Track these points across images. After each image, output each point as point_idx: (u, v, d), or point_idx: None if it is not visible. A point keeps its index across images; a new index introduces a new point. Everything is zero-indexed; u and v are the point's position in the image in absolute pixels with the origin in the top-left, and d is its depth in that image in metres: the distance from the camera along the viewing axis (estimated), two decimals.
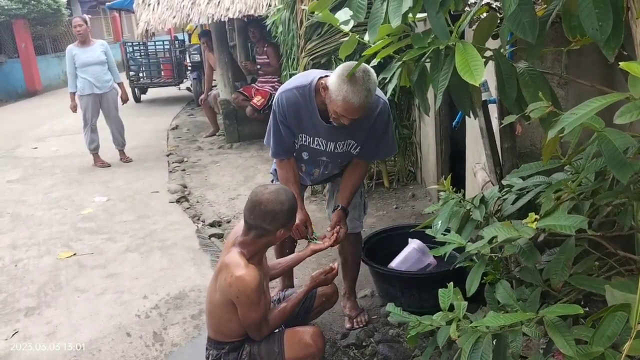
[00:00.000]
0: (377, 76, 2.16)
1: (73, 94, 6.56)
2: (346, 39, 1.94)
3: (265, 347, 2.27)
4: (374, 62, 1.76)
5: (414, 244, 3.12)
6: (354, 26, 1.87)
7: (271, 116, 2.62)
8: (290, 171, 2.68)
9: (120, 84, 6.78)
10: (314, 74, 2.52)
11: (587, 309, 1.93)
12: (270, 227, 2.16)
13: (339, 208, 2.67)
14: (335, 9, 1.90)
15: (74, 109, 6.62)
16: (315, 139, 2.58)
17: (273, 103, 2.59)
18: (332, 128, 2.50)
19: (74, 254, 4.25)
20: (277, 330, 2.36)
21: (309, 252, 2.56)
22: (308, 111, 2.49)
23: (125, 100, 6.95)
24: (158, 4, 6.85)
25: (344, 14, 1.62)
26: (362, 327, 2.93)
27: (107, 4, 15.55)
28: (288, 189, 2.29)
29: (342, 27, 1.69)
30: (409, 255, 3.09)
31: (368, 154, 2.69)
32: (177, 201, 5.37)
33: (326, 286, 2.57)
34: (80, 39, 6.43)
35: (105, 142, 6.97)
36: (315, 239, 2.58)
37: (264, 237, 2.19)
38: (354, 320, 2.98)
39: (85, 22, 6.47)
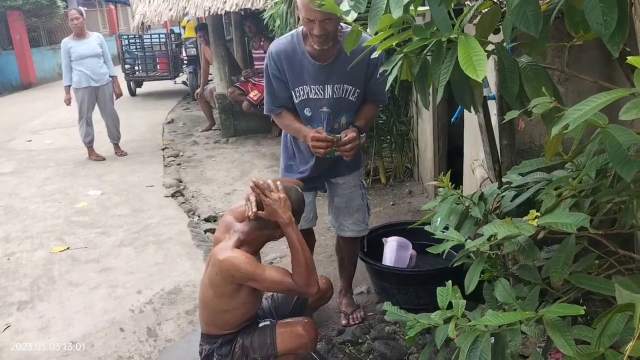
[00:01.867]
0: (379, 68, 2.12)
1: (68, 87, 6.50)
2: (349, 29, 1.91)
3: (257, 338, 2.27)
4: (376, 54, 1.73)
5: (392, 243, 3.11)
6: (356, 19, 1.85)
7: (264, 73, 2.64)
8: (290, 116, 2.64)
9: (115, 78, 6.73)
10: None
11: (584, 307, 1.92)
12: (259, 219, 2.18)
13: (353, 126, 2.60)
14: None
15: (68, 102, 6.57)
16: (312, 87, 2.55)
17: (265, 59, 2.63)
18: (324, 68, 2.51)
19: (68, 248, 4.21)
20: (269, 323, 2.35)
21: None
22: (298, 56, 2.52)
23: (118, 94, 6.89)
24: None
25: (346, 5, 1.59)
26: (357, 324, 2.92)
27: None
28: (298, 190, 2.29)
29: (345, 17, 1.66)
30: (396, 255, 3.09)
31: (369, 95, 2.67)
32: (172, 195, 5.34)
33: (320, 282, 2.55)
34: (76, 32, 6.38)
35: (100, 136, 6.93)
36: (338, 141, 2.49)
37: (264, 230, 2.20)
38: (350, 317, 2.96)
39: (82, 14, 6.41)
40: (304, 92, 2.56)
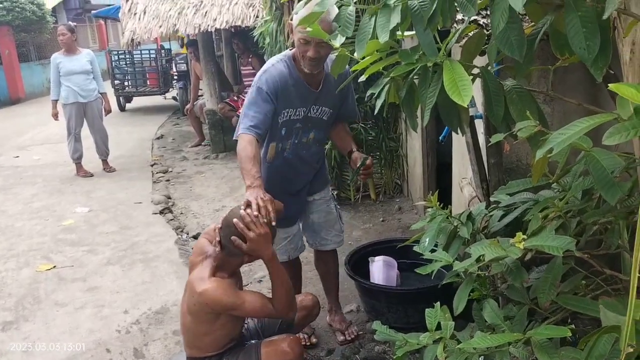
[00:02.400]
0: (365, 90, 2.15)
1: (55, 102, 6.50)
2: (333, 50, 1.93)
3: (242, 358, 2.24)
4: (363, 78, 1.75)
5: (379, 262, 3.13)
6: (344, 43, 1.86)
7: (254, 92, 2.44)
8: (253, 144, 2.34)
9: (104, 95, 6.72)
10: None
11: (573, 326, 1.93)
12: (238, 249, 2.10)
13: (354, 150, 2.66)
14: None
15: (55, 116, 6.55)
16: (298, 109, 2.55)
17: (257, 80, 2.47)
18: (315, 94, 2.54)
19: (54, 267, 4.16)
20: (254, 342, 2.34)
21: None
22: (293, 82, 2.49)
23: (108, 111, 6.89)
24: (144, 13, 6.82)
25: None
26: (353, 339, 2.93)
27: (93, 12, 15.53)
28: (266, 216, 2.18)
29: (332, 42, 1.67)
30: (384, 273, 3.10)
31: (343, 115, 2.75)
32: (161, 212, 5.30)
33: (306, 299, 2.54)
34: (64, 48, 6.37)
35: (89, 152, 6.90)
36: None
37: (235, 257, 2.17)
38: (346, 332, 2.96)
39: (71, 30, 6.40)
40: (288, 114, 2.55)
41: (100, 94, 6.65)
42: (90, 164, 6.90)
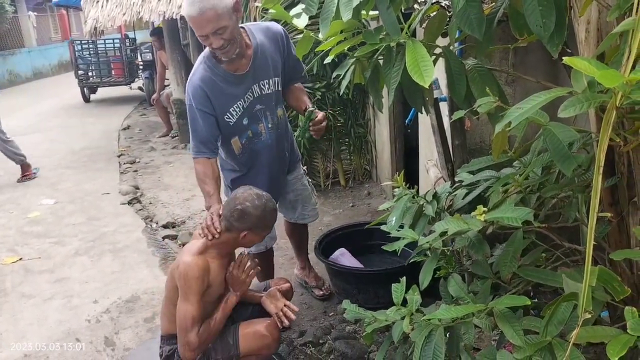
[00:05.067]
0: (331, 73, 2.16)
1: None
2: (300, 36, 1.94)
3: (220, 339, 2.26)
4: (328, 59, 1.76)
5: (344, 252, 3.31)
6: (309, 25, 1.87)
7: (188, 110, 2.46)
8: (209, 167, 2.47)
9: None
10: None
11: (536, 299, 2.00)
12: (236, 224, 2.17)
13: (310, 109, 2.50)
14: (289, 7, 1.89)
15: None
16: (243, 97, 2.46)
17: (186, 95, 2.47)
18: (247, 75, 2.43)
19: (20, 259, 4.08)
20: (232, 325, 2.34)
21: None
22: (219, 76, 2.40)
23: None
24: (107, 0, 6.68)
25: (298, 8, 1.61)
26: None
27: (54, 1, 15.07)
28: (273, 201, 2.29)
29: (296, 23, 1.69)
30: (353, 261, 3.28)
31: (290, 77, 2.64)
32: (129, 203, 5.24)
33: (282, 284, 2.56)
34: None
35: (54, 144, 6.72)
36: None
37: (229, 232, 2.20)
38: (322, 288, 3.24)
39: None
40: (239, 107, 2.47)
41: None
42: (55, 156, 6.71)
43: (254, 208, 2.16)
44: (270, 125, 2.59)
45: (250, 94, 2.49)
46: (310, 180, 3.09)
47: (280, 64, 2.54)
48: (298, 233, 3.22)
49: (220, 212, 2.26)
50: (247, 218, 2.16)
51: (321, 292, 3.22)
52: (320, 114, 2.47)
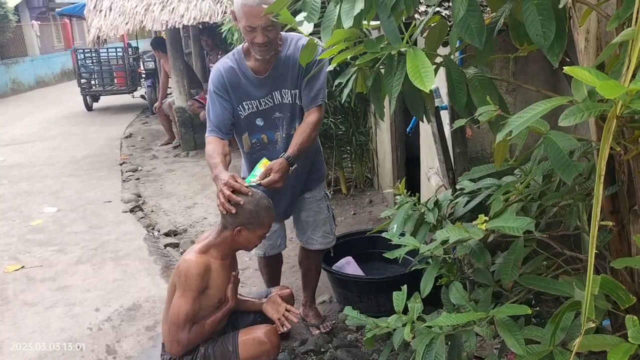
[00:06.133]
0: (333, 81, 2.16)
1: None
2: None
3: (220, 347, 2.27)
4: (330, 67, 1.77)
5: (349, 260, 3.27)
6: (312, 32, 1.88)
7: (208, 95, 2.56)
8: (219, 144, 2.46)
9: None
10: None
11: (537, 308, 2.00)
12: (230, 219, 2.19)
13: (283, 156, 2.40)
14: (294, 14, 1.90)
15: None
16: (260, 100, 2.51)
17: (209, 79, 2.57)
18: (267, 80, 2.47)
19: (22, 267, 4.09)
20: (232, 332, 2.35)
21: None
22: (241, 73, 2.48)
23: None
24: (110, 10, 6.71)
25: (301, 16, 1.63)
26: (328, 332, 2.95)
27: (58, 10, 15.17)
28: (268, 199, 2.28)
29: (301, 30, 1.70)
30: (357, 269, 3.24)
31: (308, 98, 2.50)
32: (131, 211, 5.25)
33: (283, 291, 2.56)
34: None
35: (56, 152, 6.74)
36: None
37: (225, 229, 2.23)
38: (321, 326, 2.98)
39: None
40: (252, 105, 2.52)
41: None
42: (57, 163, 6.76)
43: (247, 202, 2.18)
44: (284, 135, 2.59)
45: (270, 99, 2.53)
46: (333, 208, 2.94)
47: (299, 79, 2.50)
48: (306, 263, 3.01)
49: (229, 180, 2.21)
50: (240, 212, 2.18)
51: (318, 331, 2.96)
52: (266, 179, 2.32)
